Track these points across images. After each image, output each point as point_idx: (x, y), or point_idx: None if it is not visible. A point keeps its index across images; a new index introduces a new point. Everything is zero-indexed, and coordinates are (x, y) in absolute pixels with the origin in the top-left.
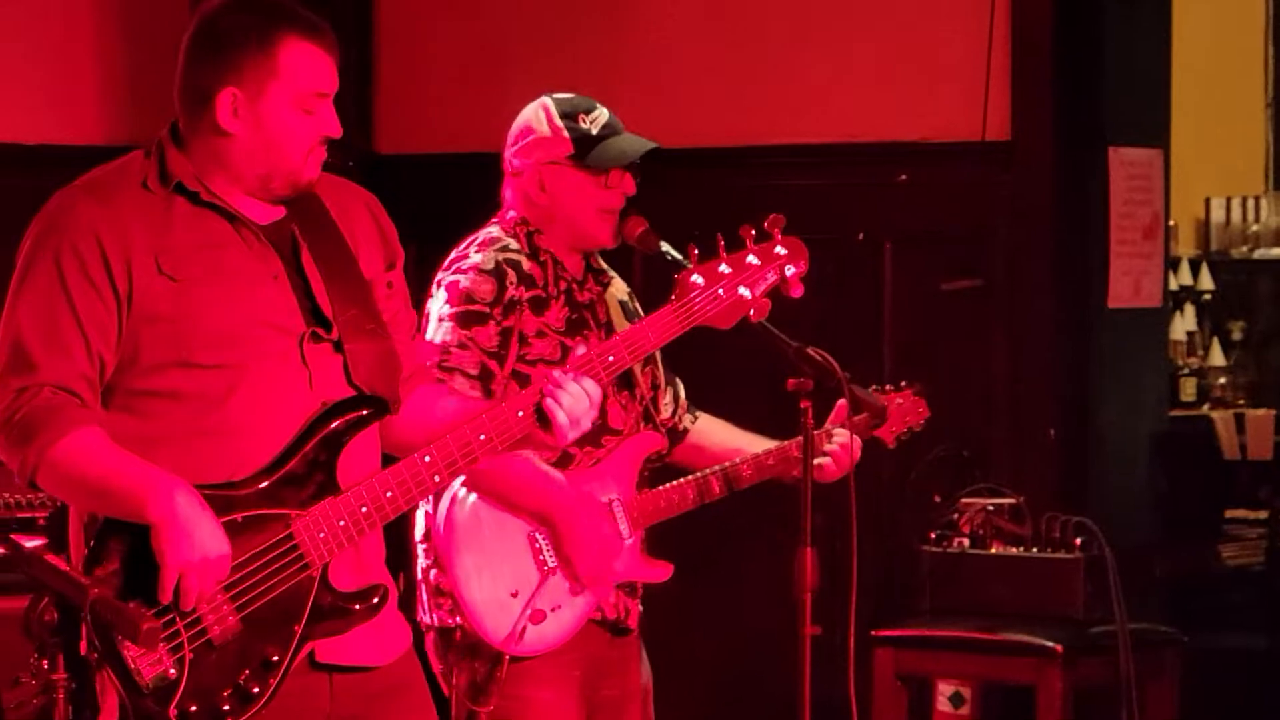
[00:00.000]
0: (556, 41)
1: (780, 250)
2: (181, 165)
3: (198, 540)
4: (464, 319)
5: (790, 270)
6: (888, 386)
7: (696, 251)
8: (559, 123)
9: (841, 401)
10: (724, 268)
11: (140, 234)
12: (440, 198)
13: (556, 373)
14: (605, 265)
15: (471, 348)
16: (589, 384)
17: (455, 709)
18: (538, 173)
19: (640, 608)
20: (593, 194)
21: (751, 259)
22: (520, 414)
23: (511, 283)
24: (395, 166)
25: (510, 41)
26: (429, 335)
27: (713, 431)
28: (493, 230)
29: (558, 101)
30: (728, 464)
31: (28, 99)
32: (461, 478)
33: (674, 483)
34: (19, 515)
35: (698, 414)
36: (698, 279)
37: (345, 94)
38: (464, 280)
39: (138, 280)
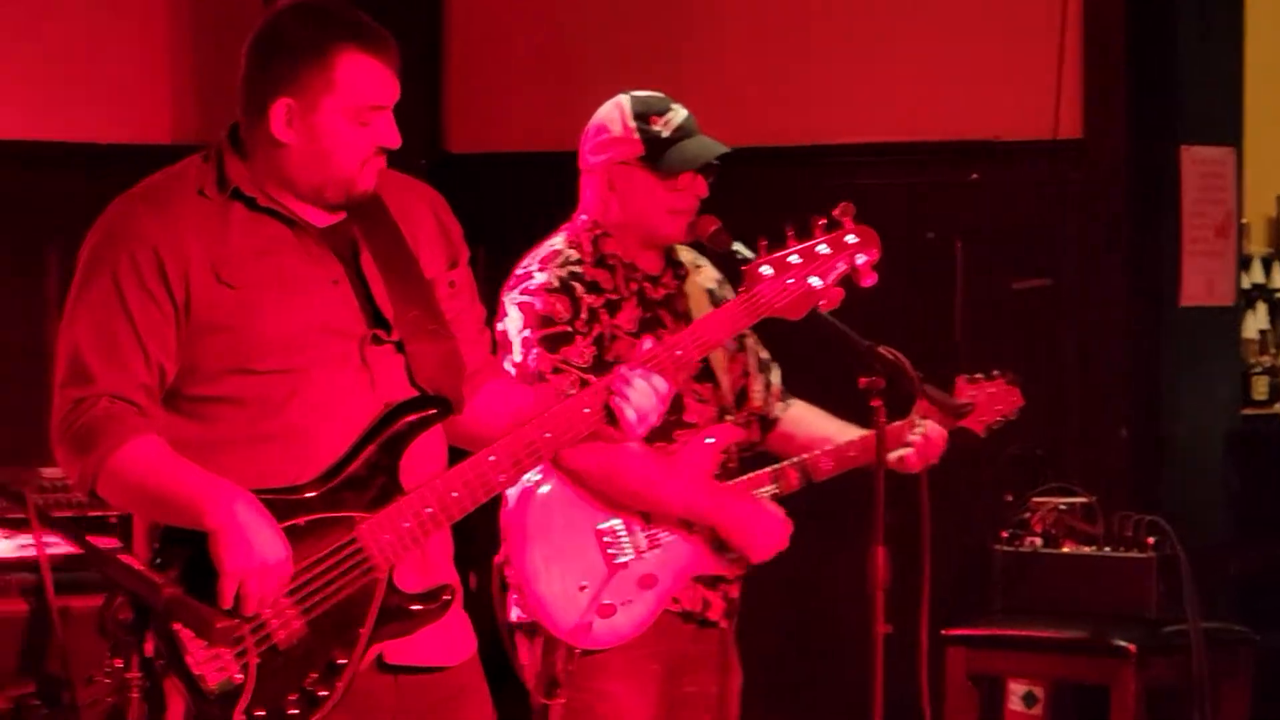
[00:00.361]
0: (627, 39)
1: (851, 239)
2: (239, 171)
3: (257, 547)
4: (550, 342)
5: (861, 259)
6: (978, 376)
7: (765, 243)
8: (631, 124)
9: (922, 396)
10: (793, 258)
11: (197, 243)
12: (510, 196)
13: (623, 369)
14: (691, 256)
15: (567, 370)
16: (656, 380)
17: (533, 703)
18: (608, 172)
19: (725, 603)
20: (661, 196)
21: (822, 248)
22: (587, 410)
23: (582, 293)
24: (465, 165)
25: (580, 40)
26: (514, 355)
27: (803, 419)
28: (556, 242)
29: (633, 101)
30: (806, 455)
31: (100, 99)
32: (536, 474)
33: (751, 474)
34: (91, 514)
35: (791, 401)
36: (766, 270)
37: (415, 92)
38: (537, 303)
39: (195, 289)
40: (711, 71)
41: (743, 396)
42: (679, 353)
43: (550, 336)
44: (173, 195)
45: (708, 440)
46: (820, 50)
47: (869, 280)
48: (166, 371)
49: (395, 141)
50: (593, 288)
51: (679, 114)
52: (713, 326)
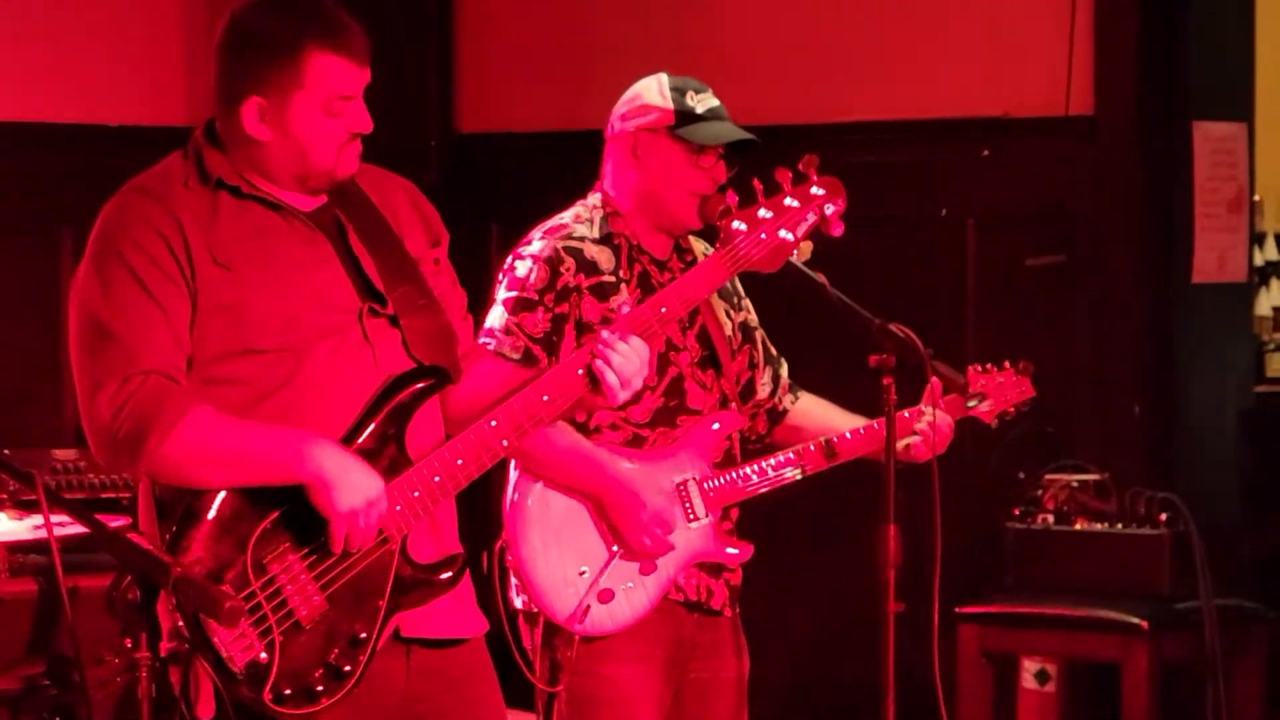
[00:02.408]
0: (637, 19)
1: (817, 190)
2: (218, 163)
3: (358, 485)
4: (515, 305)
5: (829, 209)
6: (989, 365)
7: (735, 199)
8: (667, 93)
9: (933, 382)
10: (763, 212)
11: (192, 229)
12: (522, 176)
13: (605, 333)
14: (703, 246)
15: (516, 333)
16: (637, 342)
17: (538, 691)
18: (634, 138)
19: (728, 591)
20: (682, 170)
21: (790, 201)
22: (580, 373)
23: (567, 270)
24: (476, 145)
25: (591, 20)
26: (487, 318)
27: (811, 412)
28: (565, 216)
29: (673, 77)
30: (810, 444)
31: (114, 81)
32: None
33: (754, 461)
34: (103, 495)
35: (799, 394)
36: (739, 225)
37: (426, 73)
38: (520, 268)
39: (198, 272)
40: (722, 50)
41: (749, 389)
42: (663, 309)
43: (517, 300)
44: (162, 187)
45: (714, 426)
46: (830, 28)
47: (838, 230)
48: (188, 352)
49: (367, 126)
50: (589, 267)
51: (714, 100)
52: (694, 282)
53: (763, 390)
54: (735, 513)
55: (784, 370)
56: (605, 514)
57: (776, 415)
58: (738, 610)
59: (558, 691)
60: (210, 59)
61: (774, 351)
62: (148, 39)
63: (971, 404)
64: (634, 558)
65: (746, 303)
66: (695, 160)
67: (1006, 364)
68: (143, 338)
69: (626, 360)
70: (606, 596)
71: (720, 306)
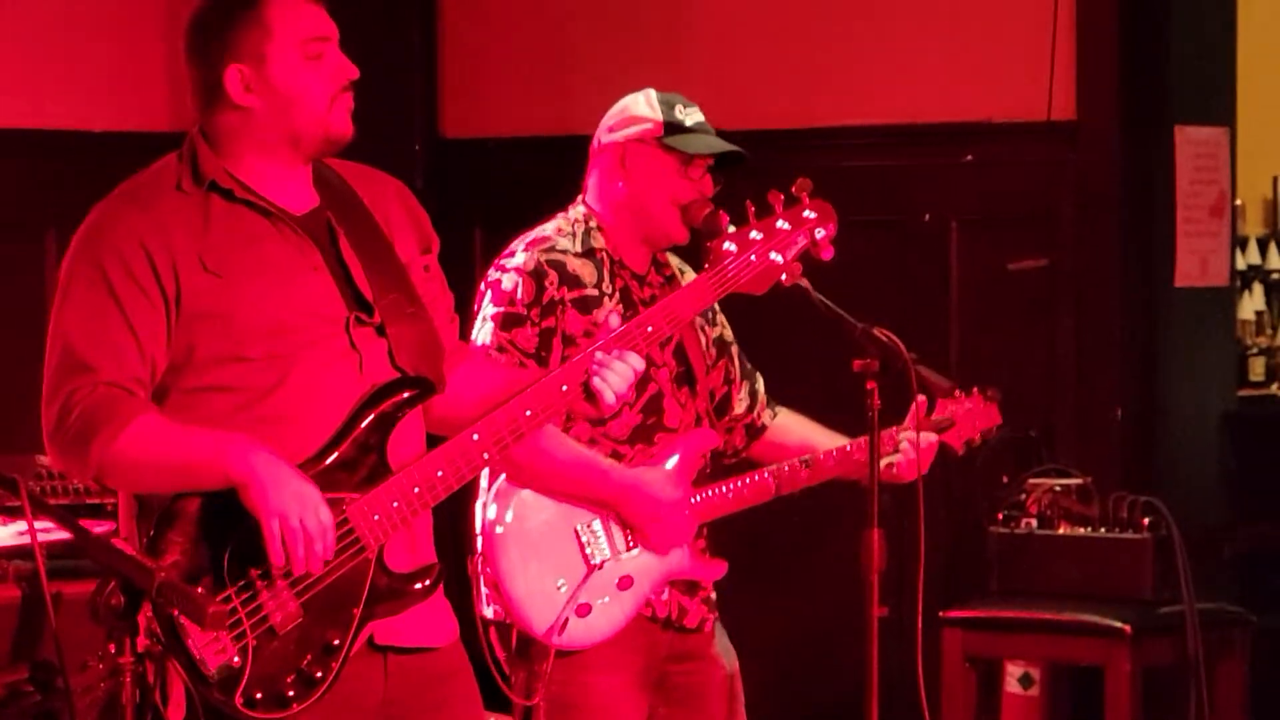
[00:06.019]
0: (621, 24)
1: (809, 214)
2: (213, 164)
3: (287, 485)
4: (505, 321)
5: (820, 233)
6: (957, 391)
7: (727, 219)
8: (656, 105)
9: (918, 400)
10: (755, 234)
11: (181, 236)
12: (506, 181)
13: (598, 350)
14: (678, 261)
15: (510, 350)
16: (632, 358)
17: (516, 705)
18: (623, 149)
19: (705, 607)
20: (670, 180)
21: (781, 224)
22: (564, 388)
23: (551, 283)
24: (460, 150)
25: (574, 25)
26: (474, 334)
27: (791, 428)
28: (548, 228)
29: (661, 93)
30: (785, 464)
31: (94, 85)
32: (504, 477)
33: (730, 480)
34: (87, 501)
35: (778, 409)
36: (730, 246)
37: (411, 78)
38: (505, 281)
39: (184, 280)
40: (705, 56)
41: (724, 404)
42: (650, 329)
43: (507, 315)
44: (153, 193)
45: (670, 461)
46: (815, 33)
47: (827, 254)
48: (158, 364)
49: (354, 72)
50: (572, 281)
51: (700, 114)
52: (681, 302)
53: (740, 405)
54: (705, 530)
55: (760, 385)
56: (621, 515)
57: (755, 430)
58: (716, 617)
59: (535, 704)
60: (184, 65)
61: (749, 366)
62: (131, 44)
63: (942, 430)
64: (656, 551)
65: (721, 317)
66: (684, 171)
67: (975, 390)
68: (105, 350)
69: (622, 378)
70: (584, 610)
71: (697, 322)
